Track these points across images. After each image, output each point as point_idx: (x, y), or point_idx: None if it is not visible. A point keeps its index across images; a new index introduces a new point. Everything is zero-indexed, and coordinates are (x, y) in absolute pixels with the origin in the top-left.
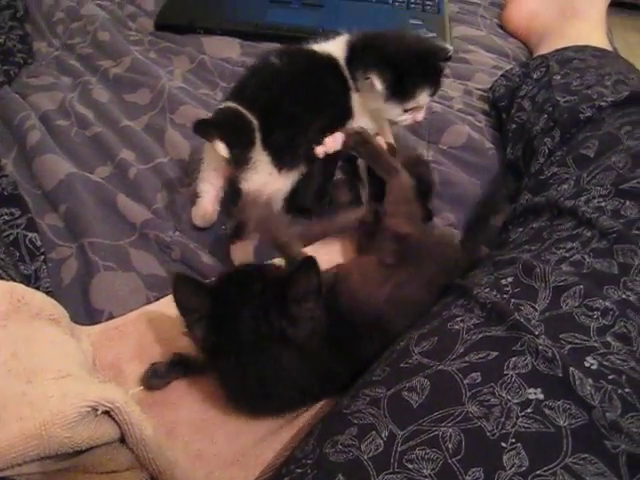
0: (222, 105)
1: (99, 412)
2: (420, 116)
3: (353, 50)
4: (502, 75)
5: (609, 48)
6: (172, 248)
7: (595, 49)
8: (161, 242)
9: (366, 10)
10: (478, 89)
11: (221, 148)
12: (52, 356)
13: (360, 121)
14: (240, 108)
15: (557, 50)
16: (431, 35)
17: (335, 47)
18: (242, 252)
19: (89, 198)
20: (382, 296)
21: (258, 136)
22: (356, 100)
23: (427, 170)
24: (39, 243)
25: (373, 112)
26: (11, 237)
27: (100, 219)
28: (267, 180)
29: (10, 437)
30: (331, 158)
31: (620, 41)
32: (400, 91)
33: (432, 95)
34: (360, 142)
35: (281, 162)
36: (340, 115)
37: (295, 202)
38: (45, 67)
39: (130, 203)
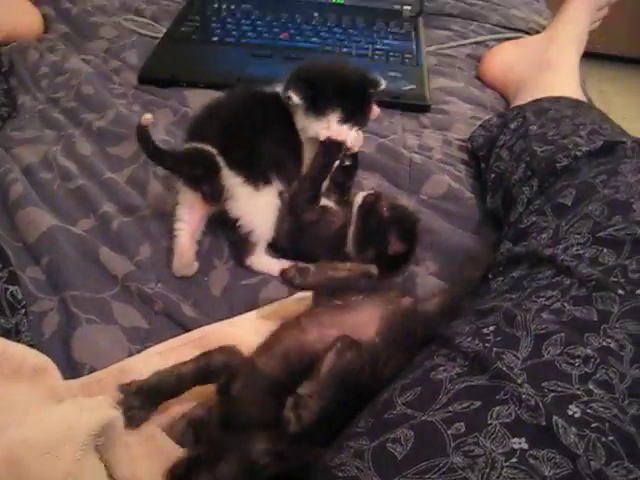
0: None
1: None
2: (328, 134)
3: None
4: (480, 125)
5: (583, 98)
6: (154, 300)
7: (570, 100)
8: (143, 295)
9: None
10: (457, 139)
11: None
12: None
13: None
14: (196, 144)
15: (533, 101)
16: (410, 87)
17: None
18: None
19: (71, 251)
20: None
21: (221, 161)
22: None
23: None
24: (20, 296)
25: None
26: None
27: (82, 272)
28: (250, 202)
29: None
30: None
31: (595, 90)
32: (315, 107)
33: (346, 122)
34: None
35: (253, 178)
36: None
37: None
38: (29, 120)
39: (112, 255)
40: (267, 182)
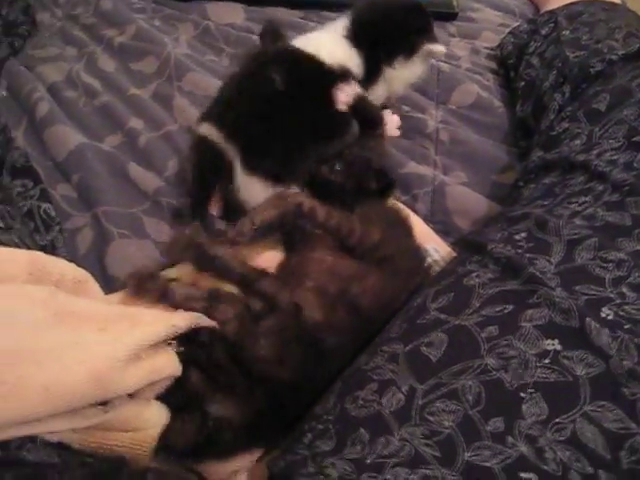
0: (198, 130)
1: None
2: None
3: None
4: (509, 32)
5: (618, 1)
6: (185, 214)
7: (604, 3)
8: (174, 209)
9: None
10: (485, 48)
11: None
12: (90, 309)
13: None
14: (214, 136)
15: (565, 5)
16: None
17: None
18: None
19: (101, 168)
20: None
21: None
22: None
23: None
24: (53, 213)
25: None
26: (25, 208)
27: (113, 188)
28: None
29: (76, 379)
30: None
31: None
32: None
33: None
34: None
35: (276, 181)
36: None
37: None
38: (49, 38)
39: (141, 171)
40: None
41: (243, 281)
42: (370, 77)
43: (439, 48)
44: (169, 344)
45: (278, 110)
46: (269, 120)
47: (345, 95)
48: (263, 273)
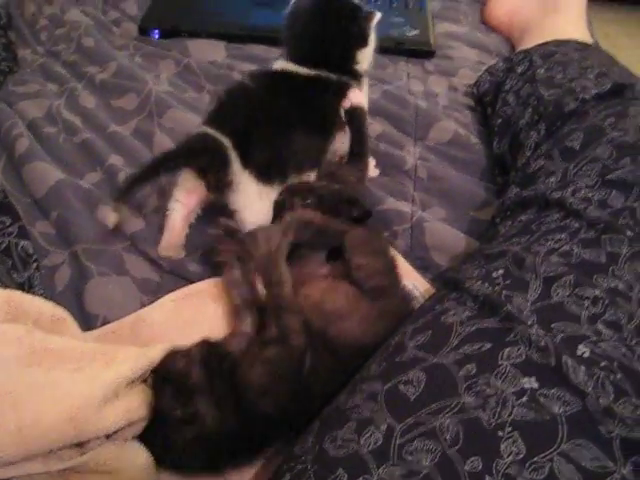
0: (195, 130)
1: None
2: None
3: None
4: (486, 70)
5: (590, 41)
6: (160, 263)
7: (577, 42)
8: (149, 257)
9: None
10: (463, 85)
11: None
12: (65, 347)
13: None
14: (210, 131)
15: (539, 44)
16: (414, 32)
17: None
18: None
19: (79, 205)
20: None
21: (234, 156)
22: None
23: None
24: (31, 251)
25: None
26: (2, 245)
27: (91, 225)
28: (254, 200)
29: (52, 420)
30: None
31: (600, 33)
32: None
33: None
34: (304, 227)
35: (267, 177)
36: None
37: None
38: (31, 74)
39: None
40: (282, 182)
41: (276, 305)
42: None
43: None
44: (145, 381)
45: (271, 114)
46: (261, 121)
47: (355, 96)
48: (295, 309)
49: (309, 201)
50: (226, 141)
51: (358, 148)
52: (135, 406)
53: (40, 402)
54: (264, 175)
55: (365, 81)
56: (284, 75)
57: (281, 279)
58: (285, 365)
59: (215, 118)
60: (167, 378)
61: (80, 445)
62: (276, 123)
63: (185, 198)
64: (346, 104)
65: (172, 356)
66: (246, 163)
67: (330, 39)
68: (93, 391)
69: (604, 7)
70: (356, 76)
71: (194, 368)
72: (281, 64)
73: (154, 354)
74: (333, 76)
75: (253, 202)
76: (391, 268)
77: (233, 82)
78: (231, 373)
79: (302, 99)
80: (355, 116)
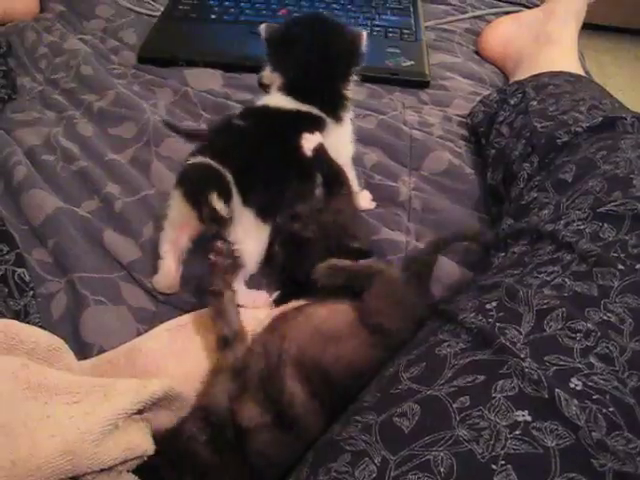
0: (191, 160)
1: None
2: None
3: None
4: (480, 101)
5: (582, 72)
6: (155, 293)
7: (569, 75)
8: (145, 287)
9: None
10: (457, 115)
11: (218, 203)
12: (61, 380)
13: None
14: (212, 162)
15: (533, 76)
16: (409, 63)
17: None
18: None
19: (76, 233)
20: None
21: (235, 191)
22: None
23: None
24: (28, 278)
25: None
26: None
27: (88, 254)
28: (251, 234)
29: (47, 454)
30: None
31: (593, 62)
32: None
33: None
34: (334, 274)
35: (266, 213)
36: None
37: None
38: (29, 102)
39: (117, 238)
40: (277, 216)
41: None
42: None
43: None
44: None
45: (266, 153)
46: (258, 160)
47: (308, 142)
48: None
49: (310, 228)
50: (229, 175)
51: (336, 180)
52: (133, 445)
53: (35, 436)
54: (263, 213)
55: (348, 120)
56: (275, 112)
57: (289, 397)
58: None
59: (214, 151)
60: (174, 460)
61: (74, 478)
62: (272, 162)
63: (177, 236)
64: (307, 151)
65: (173, 435)
66: (245, 201)
67: (325, 71)
68: (90, 425)
69: (596, 35)
70: (339, 114)
71: (200, 446)
72: (273, 99)
73: (155, 387)
74: (321, 113)
75: (252, 235)
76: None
77: (224, 118)
78: (239, 445)
79: (292, 137)
80: (321, 154)
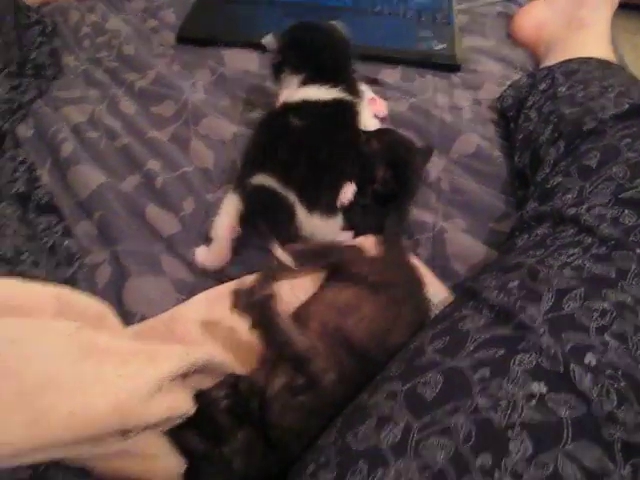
0: (253, 181)
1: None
2: None
3: None
4: (510, 86)
5: (613, 57)
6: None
7: (599, 61)
8: (186, 260)
9: (378, 23)
10: (487, 99)
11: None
12: (111, 344)
13: None
14: (274, 184)
15: (562, 62)
16: (441, 46)
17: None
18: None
19: (120, 207)
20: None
21: (299, 207)
22: None
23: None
24: (75, 249)
25: None
26: (49, 244)
27: (131, 227)
28: (321, 230)
29: (100, 410)
30: None
31: (627, 44)
32: None
33: None
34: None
35: (332, 210)
36: None
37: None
38: (74, 81)
39: (158, 212)
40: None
41: (296, 360)
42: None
43: None
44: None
45: (320, 151)
46: (317, 160)
47: (345, 194)
48: (315, 352)
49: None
50: (292, 196)
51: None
52: (176, 405)
53: (89, 393)
54: (328, 212)
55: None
56: (322, 105)
57: (286, 339)
58: (319, 406)
59: (274, 167)
60: (193, 420)
61: (123, 433)
62: (333, 161)
63: (232, 226)
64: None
65: (198, 397)
66: (311, 209)
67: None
68: (138, 386)
69: (632, 16)
70: (357, 91)
71: (220, 414)
72: (308, 92)
73: (197, 356)
74: (350, 97)
75: (320, 229)
76: (390, 266)
77: (276, 115)
78: (261, 417)
79: (334, 125)
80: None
